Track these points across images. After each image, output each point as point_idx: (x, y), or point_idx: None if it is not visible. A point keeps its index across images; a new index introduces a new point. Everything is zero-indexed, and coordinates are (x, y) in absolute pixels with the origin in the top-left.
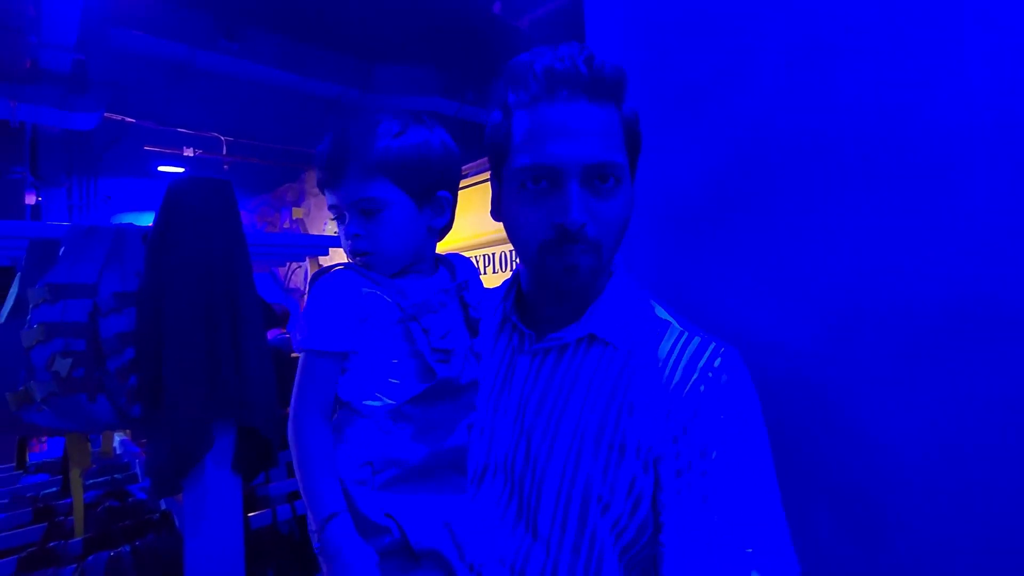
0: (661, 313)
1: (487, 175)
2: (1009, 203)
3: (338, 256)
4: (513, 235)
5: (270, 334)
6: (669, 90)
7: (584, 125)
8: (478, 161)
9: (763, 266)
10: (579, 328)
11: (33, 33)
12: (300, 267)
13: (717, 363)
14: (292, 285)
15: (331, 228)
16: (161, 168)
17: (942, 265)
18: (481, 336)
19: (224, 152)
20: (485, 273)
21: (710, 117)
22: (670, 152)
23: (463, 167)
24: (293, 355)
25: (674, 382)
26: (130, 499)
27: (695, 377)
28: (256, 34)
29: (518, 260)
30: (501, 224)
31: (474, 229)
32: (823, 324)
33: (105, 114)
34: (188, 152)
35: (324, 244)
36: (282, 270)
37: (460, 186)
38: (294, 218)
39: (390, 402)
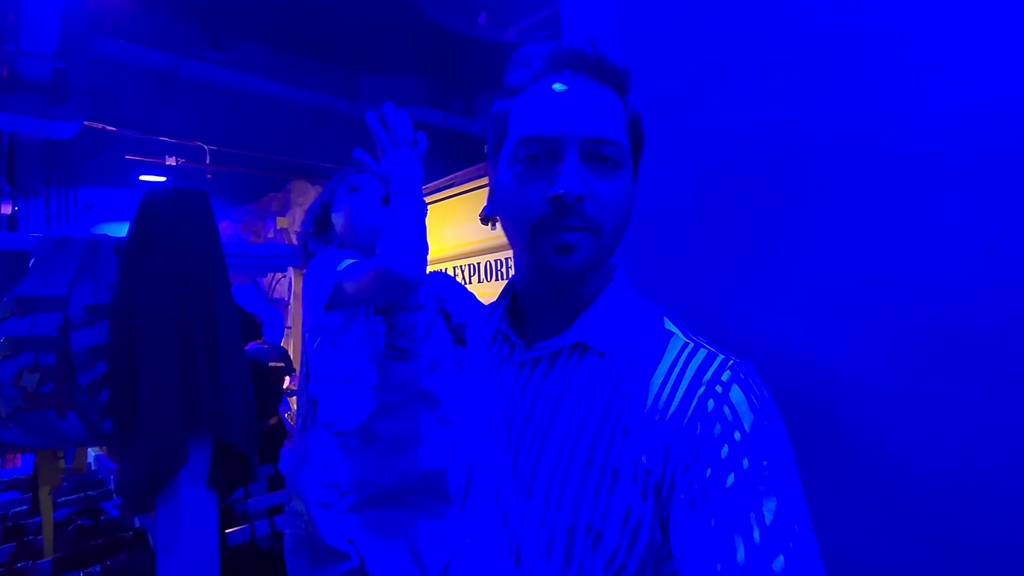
0: (666, 324)
1: (471, 184)
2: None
3: None
4: (506, 220)
5: (248, 345)
6: (650, 96)
7: (587, 99)
8: (463, 171)
9: (753, 273)
10: (568, 335)
11: (11, 42)
12: (284, 277)
13: (726, 376)
14: (276, 295)
15: None
16: (143, 177)
17: (948, 268)
18: (469, 346)
19: (208, 161)
20: (470, 283)
21: (692, 123)
22: (653, 159)
23: (449, 176)
24: (271, 364)
25: (676, 399)
26: (103, 517)
27: (701, 392)
28: (242, 43)
29: (512, 266)
30: (485, 234)
31: (458, 239)
32: (819, 332)
33: (85, 123)
34: (171, 161)
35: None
36: (266, 280)
37: (446, 195)
38: (279, 228)
39: (356, 418)
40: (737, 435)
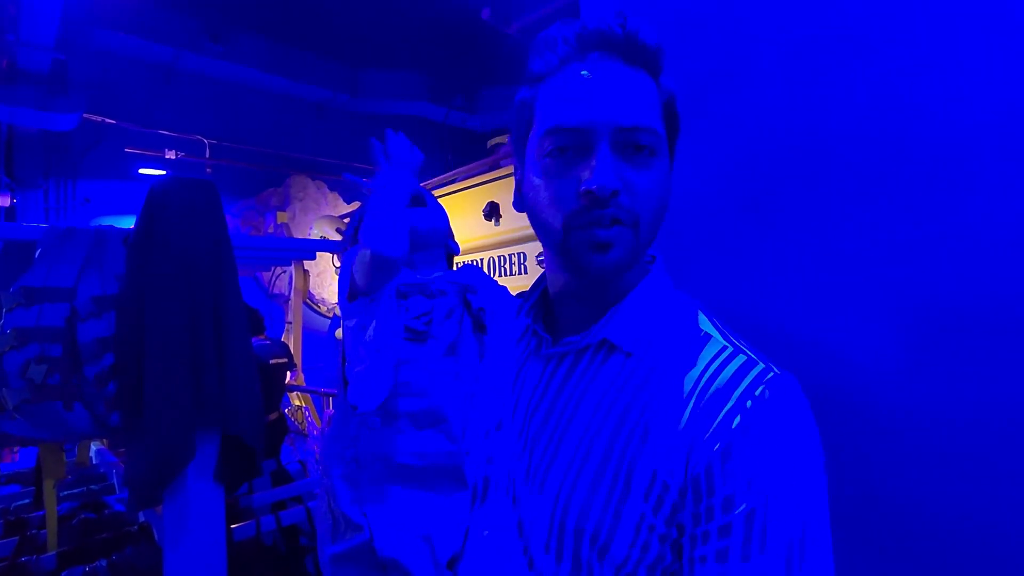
0: (704, 324)
1: (472, 180)
2: None
3: (324, 260)
4: (535, 218)
5: (252, 341)
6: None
7: (618, 85)
8: (464, 167)
9: (772, 270)
10: (594, 332)
11: (11, 32)
12: (284, 272)
13: (760, 391)
14: (276, 290)
15: (316, 232)
16: (142, 171)
17: (968, 264)
18: (495, 338)
19: (207, 155)
20: None
21: (721, 114)
22: (681, 150)
23: (450, 172)
24: (272, 362)
25: (701, 407)
26: (107, 511)
27: (728, 407)
28: (242, 37)
29: (514, 262)
30: (488, 230)
31: (460, 235)
32: (850, 330)
33: (85, 115)
34: (170, 155)
35: (310, 248)
36: (266, 275)
37: (448, 191)
38: (279, 222)
39: (377, 397)
40: (759, 465)
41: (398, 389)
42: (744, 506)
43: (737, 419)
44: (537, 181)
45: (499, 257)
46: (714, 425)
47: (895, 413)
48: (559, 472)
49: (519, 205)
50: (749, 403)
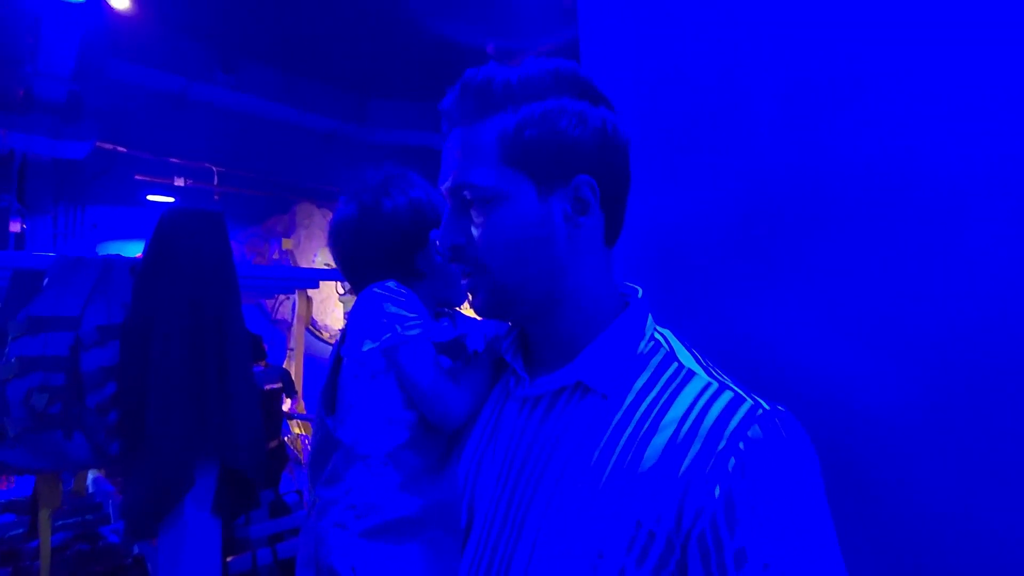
0: (686, 360)
1: None
2: None
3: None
4: None
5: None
6: (674, 117)
7: (448, 152)
8: None
9: (782, 297)
10: (567, 374)
11: (29, 63)
12: (288, 299)
13: (753, 432)
14: (279, 316)
15: (320, 260)
16: (150, 197)
17: (990, 301)
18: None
19: (215, 183)
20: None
21: (707, 160)
22: (669, 187)
23: None
24: (267, 387)
25: (692, 452)
26: (101, 542)
27: (721, 447)
28: (253, 67)
29: None
30: None
31: None
32: (851, 362)
33: (97, 143)
34: (179, 182)
35: (314, 277)
36: (269, 302)
37: None
38: (284, 249)
39: (386, 446)
40: (762, 507)
41: (408, 441)
42: (758, 560)
43: (732, 461)
44: None
45: None
46: (708, 468)
47: (896, 450)
48: (534, 523)
49: None
50: (742, 444)
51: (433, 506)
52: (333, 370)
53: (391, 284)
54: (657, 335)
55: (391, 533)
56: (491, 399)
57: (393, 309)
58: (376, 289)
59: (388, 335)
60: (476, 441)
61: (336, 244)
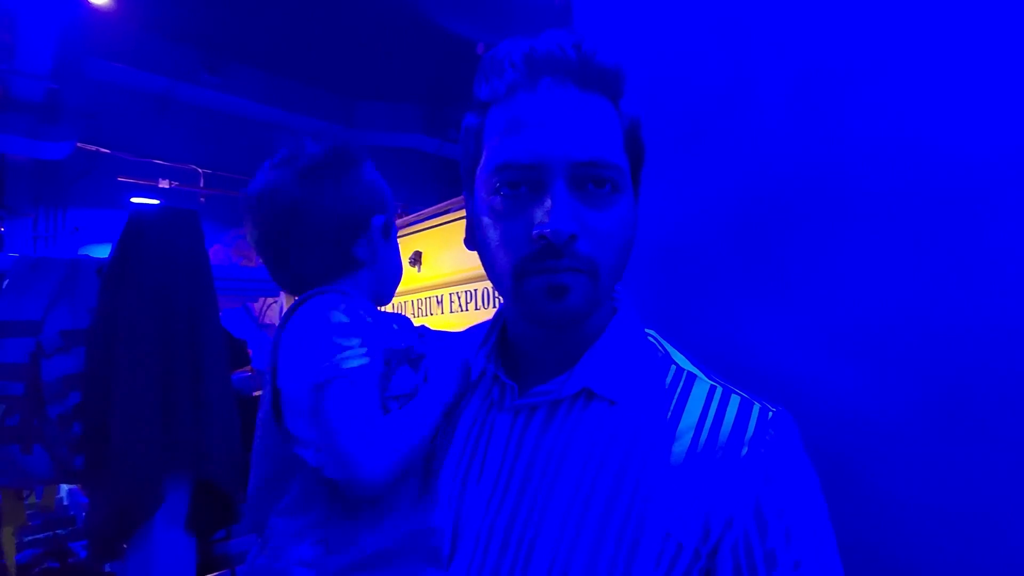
0: (682, 362)
1: (464, 212)
2: None
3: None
4: (486, 259)
5: (235, 374)
6: (669, 123)
7: (573, 116)
8: (458, 198)
9: (775, 306)
10: (572, 382)
11: (5, 60)
12: (275, 302)
13: (770, 437)
14: (267, 320)
15: None
16: (134, 199)
17: (974, 300)
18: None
19: (201, 185)
20: (466, 311)
21: (713, 150)
22: (670, 186)
23: (444, 203)
24: (255, 395)
25: (715, 462)
26: (71, 559)
27: (744, 453)
28: (239, 69)
29: (499, 296)
30: (468, 260)
31: (453, 266)
32: (846, 371)
33: (78, 144)
34: (164, 184)
35: None
36: (256, 305)
37: (440, 222)
38: None
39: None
40: (790, 509)
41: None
42: (788, 560)
43: (756, 468)
44: (486, 220)
45: (474, 291)
46: (734, 477)
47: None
48: (549, 541)
49: (470, 243)
50: (763, 450)
51: (414, 534)
52: (274, 403)
53: (334, 295)
54: (650, 337)
55: (367, 570)
56: (469, 411)
57: (336, 335)
58: (317, 304)
59: (325, 365)
60: (457, 458)
61: (259, 219)
